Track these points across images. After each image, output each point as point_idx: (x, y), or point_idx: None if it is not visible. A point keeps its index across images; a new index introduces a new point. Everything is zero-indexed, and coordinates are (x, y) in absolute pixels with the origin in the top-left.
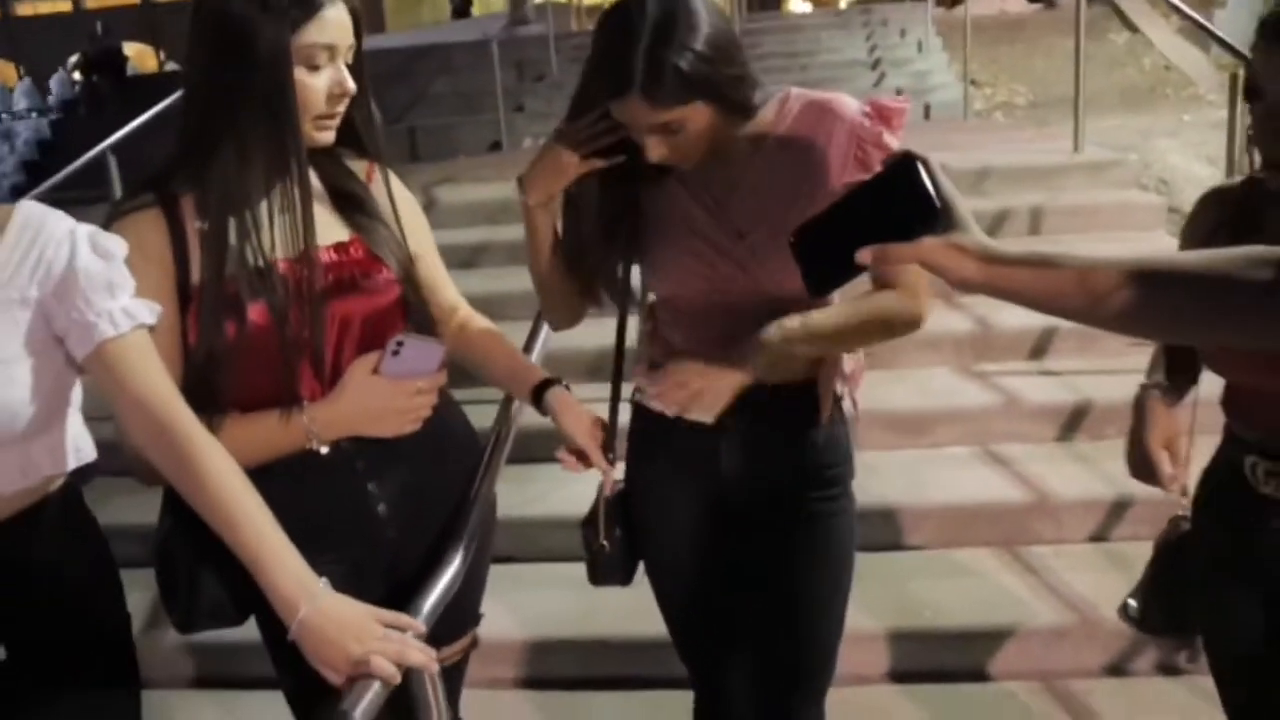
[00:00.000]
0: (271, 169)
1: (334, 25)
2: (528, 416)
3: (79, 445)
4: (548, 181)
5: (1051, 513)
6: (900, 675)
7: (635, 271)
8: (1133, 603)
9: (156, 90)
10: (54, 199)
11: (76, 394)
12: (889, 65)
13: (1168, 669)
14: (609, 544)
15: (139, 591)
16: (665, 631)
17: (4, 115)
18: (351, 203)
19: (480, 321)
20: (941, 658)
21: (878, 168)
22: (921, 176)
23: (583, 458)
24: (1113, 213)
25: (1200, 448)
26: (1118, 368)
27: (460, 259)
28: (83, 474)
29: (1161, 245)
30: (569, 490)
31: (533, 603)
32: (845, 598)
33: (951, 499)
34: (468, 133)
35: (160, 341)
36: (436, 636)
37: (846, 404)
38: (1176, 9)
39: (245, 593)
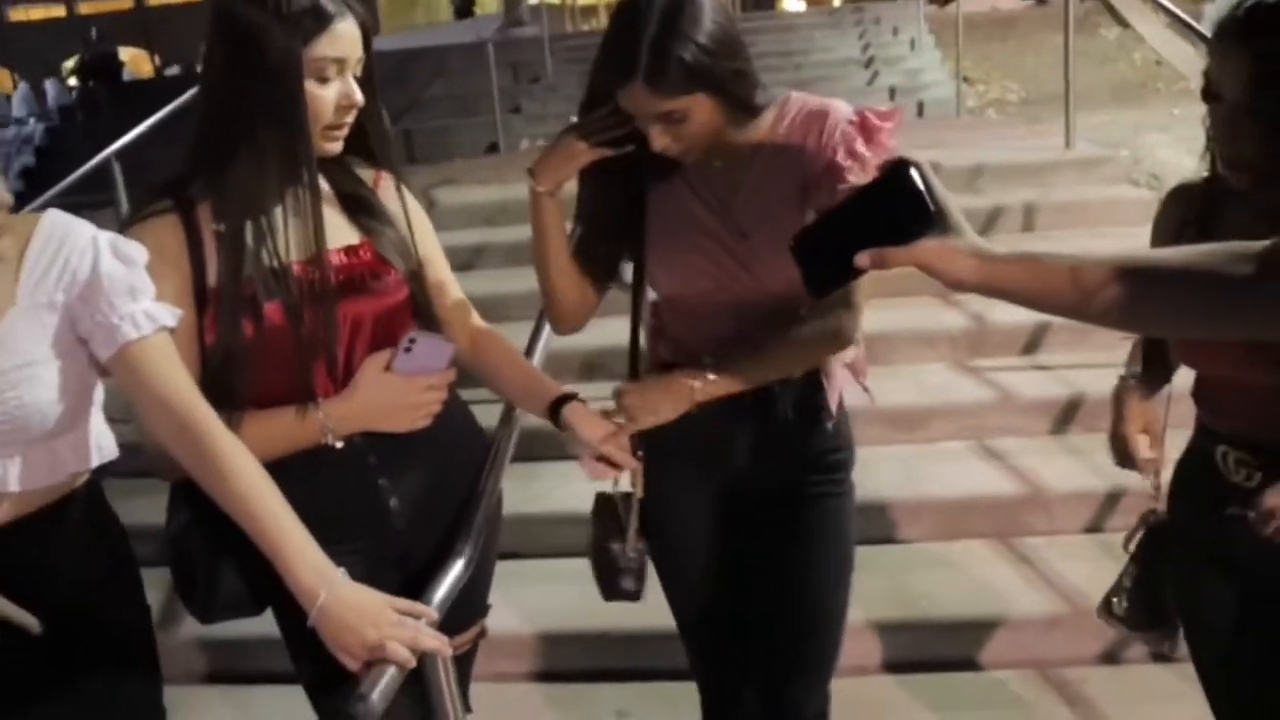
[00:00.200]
0: (284, 175)
1: (344, 39)
2: (530, 416)
3: (101, 443)
4: (558, 169)
5: (1045, 505)
6: (896, 666)
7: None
8: (1118, 601)
9: (153, 95)
10: (58, 205)
11: (99, 394)
12: (882, 64)
13: (1160, 656)
14: (637, 553)
15: (149, 590)
16: (669, 624)
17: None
18: (360, 207)
19: (492, 334)
20: (937, 648)
21: (847, 173)
22: (915, 181)
23: (608, 463)
24: (1104, 208)
25: (1174, 441)
26: (1109, 362)
27: (459, 261)
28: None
29: None
30: (572, 488)
31: (538, 597)
32: (849, 581)
33: (947, 492)
34: (464, 135)
35: (179, 342)
36: (447, 626)
37: (850, 393)
38: (1165, 8)
39: (262, 583)
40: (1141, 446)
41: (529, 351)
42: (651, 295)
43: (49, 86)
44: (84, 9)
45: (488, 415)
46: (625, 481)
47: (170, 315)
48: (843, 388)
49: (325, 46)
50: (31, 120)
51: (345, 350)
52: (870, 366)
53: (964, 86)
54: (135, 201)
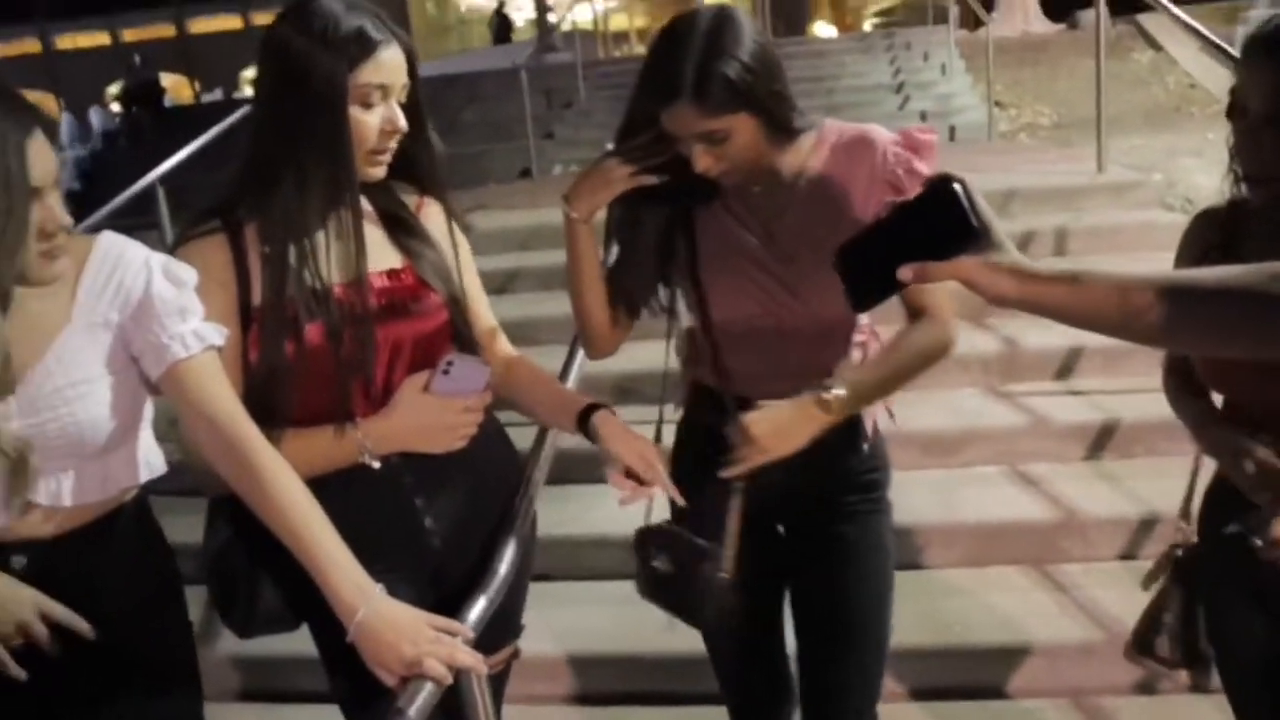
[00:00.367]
0: (328, 198)
1: (389, 66)
2: (564, 438)
3: (150, 459)
4: (593, 196)
5: (1080, 531)
6: (929, 693)
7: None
8: (1159, 640)
9: (193, 120)
10: (105, 227)
11: (149, 411)
12: (913, 89)
13: (1198, 687)
14: (729, 572)
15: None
16: (702, 648)
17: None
18: (404, 230)
19: (522, 359)
20: (971, 675)
21: (911, 192)
22: (960, 198)
23: (635, 479)
24: (1137, 233)
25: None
26: (1145, 387)
27: (493, 285)
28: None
29: None
30: (604, 510)
31: (571, 619)
32: (890, 600)
33: (980, 518)
34: (498, 160)
35: (225, 360)
36: (481, 646)
37: (883, 416)
38: (1197, 31)
39: (300, 599)
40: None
41: (563, 375)
42: (686, 321)
43: (94, 113)
44: (128, 36)
45: (522, 437)
46: (658, 502)
47: (218, 334)
48: (877, 411)
49: (370, 73)
50: (76, 146)
51: (384, 371)
52: (902, 391)
53: (995, 111)
54: (185, 222)
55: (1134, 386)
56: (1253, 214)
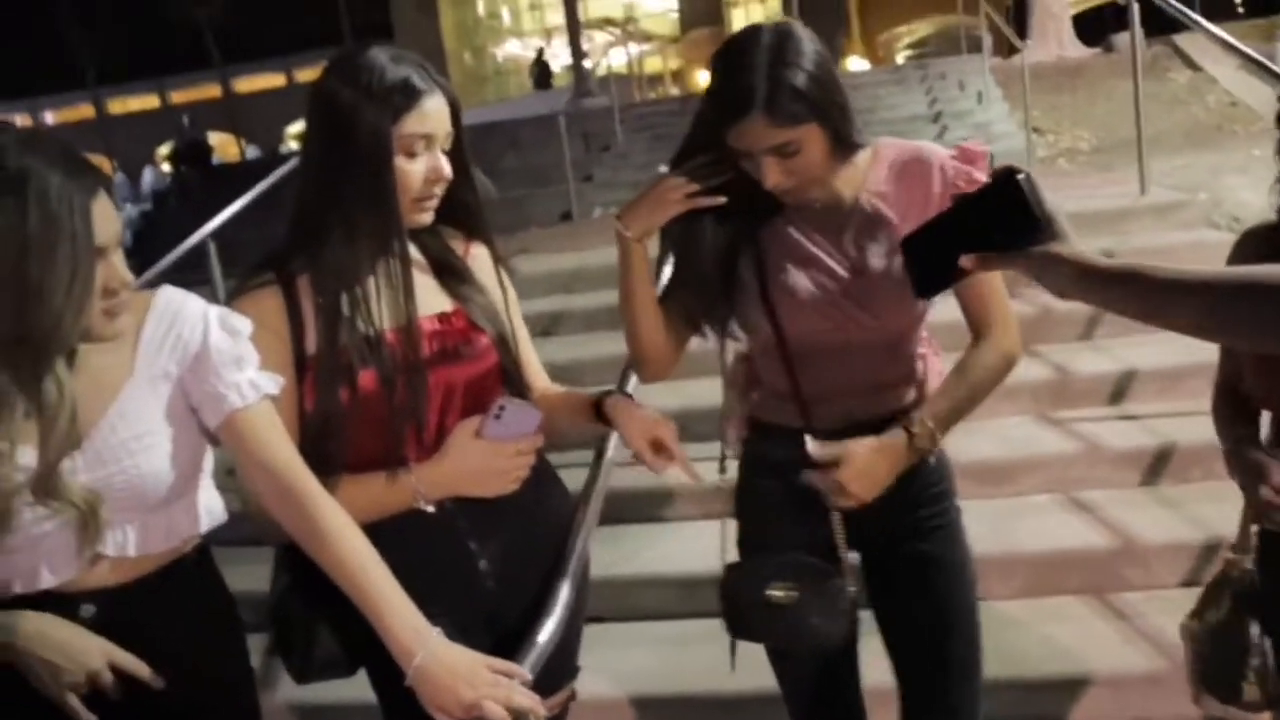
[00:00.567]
0: (376, 246)
1: (433, 116)
2: (616, 479)
3: (211, 508)
4: (650, 216)
5: (1140, 558)
6: None
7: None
8: (1248, 686)
9: (240, 177)
10: (158, 283)
11: (209, 461)
12: (950, 118)
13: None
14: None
15: None
16: (754, 686)
17: None
18: (453, 274)
19: (549, 389)
20: (1036, 707)
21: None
22: (1024, 190)
23: (659, 451)
24: (1185, 253)
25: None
26: (1199, 410)
27: (538, 327)
28: None
29: None
30: (657, 551)
31: (625, 660)
32: (977, 607)
33: (1038, 547)
34: (538, 205)
35: (280, 408)
36: (538, 688)
37: None
38: (1236, 48)
39: (358, 644)
40: None
41: None
42: (741, 347)
43: (146, 173)
44: (175, 98)
45: (574, 478)
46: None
47: (274, 383)
48: None
49: (414, 124)
50: (128, 205)
51: (437, 416)
52: None
53: (1034, 137)
54: (239, 275)
55: (1189, 409)
56: None
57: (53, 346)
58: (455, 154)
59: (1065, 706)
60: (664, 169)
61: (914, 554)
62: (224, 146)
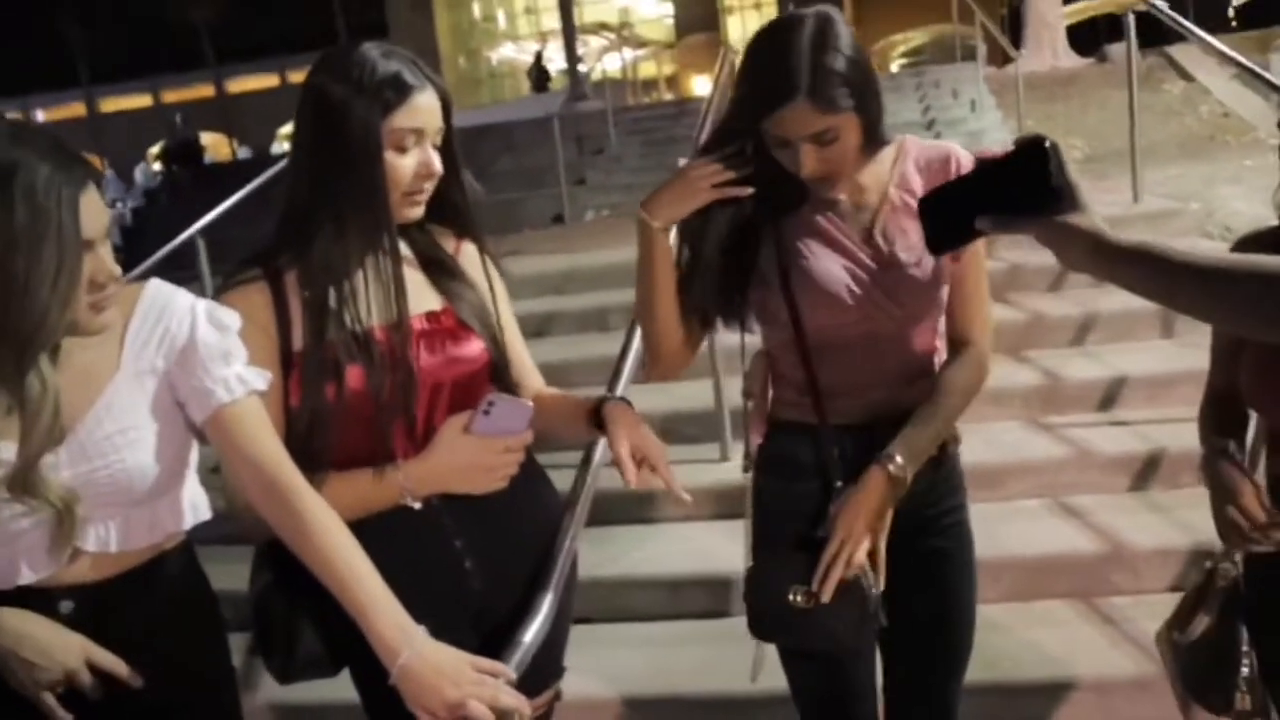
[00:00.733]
0: (365, 243)
1: (424, 111)
2: (603, 480)
3: (196, 504)
4: (676, 206)
5: (1129, 563)
6: None
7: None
8: (1241, 694)
9: (231, 176)
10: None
11: (194, 457)
12: (944, 126)
13: None
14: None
15: None
16: (740, 688)
17: None
18: (443, 271)
19: (544, 390)
20: (1022, 711)
21: None
22: (1048, 158)
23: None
24: None
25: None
26: (1189, 416)
27: (530, 328)
28: None
29: None
30: (645, 552)
31: (611, 661)
32: (975, 606)
33: (1027, 552)
34: (531, 207)
35: (266, 404)
36: (523, 688)
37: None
38: (1232, 58)
39: (341, 644)
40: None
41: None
42: (759, 343)
43: (138, 171)
44: (168, 97)
45: (563, 479)
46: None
47: (261, 379)
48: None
49: (404, 118)
50: (118, 204)
51: (425, 413)
52: None
53: None
54: (227, 271)
55: (1179, 416)
56: None
57: (37, 341)
58: (445, 151)
59: (1052, 711)
60: (682, 162)
61: (926, 549)
62: (216, 146)
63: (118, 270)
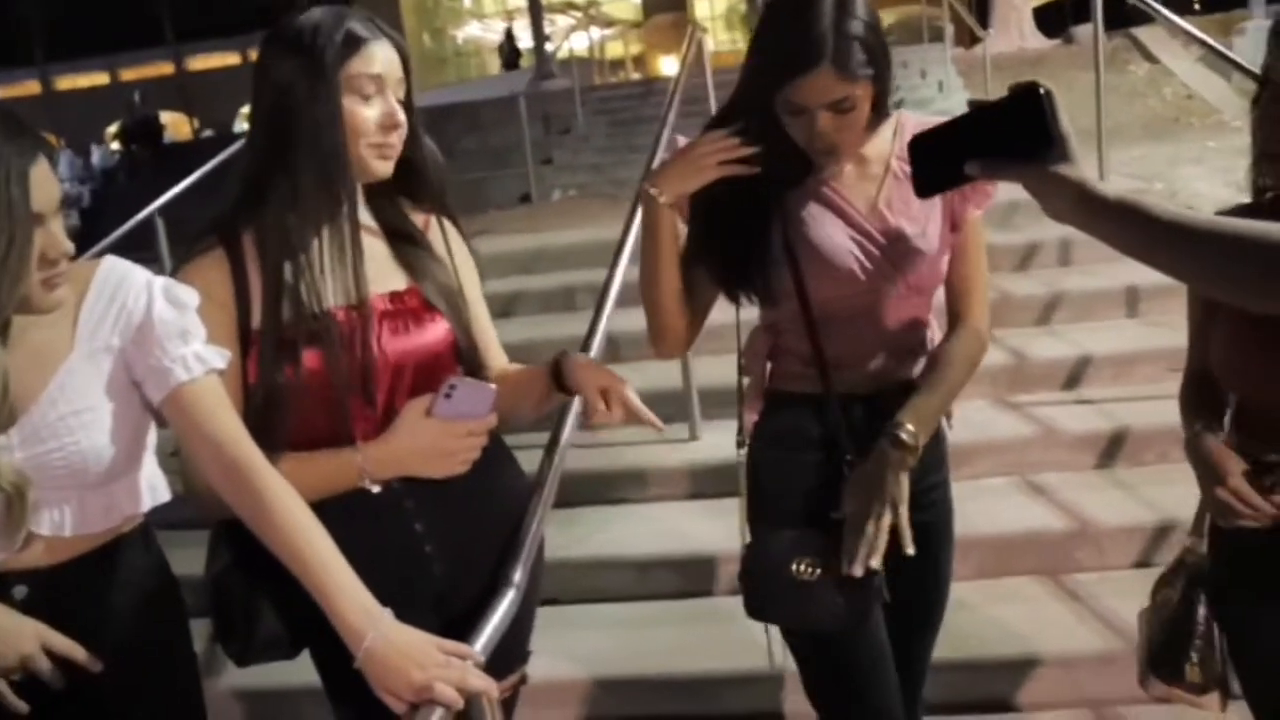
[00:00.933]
0: (322, 205)
1: (380, 58)
2: (572, 460)
3: (154, 486)
4: (684, 181)
5: (1094, 540)
6: (947, 707)
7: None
8: (1191, 666)
9: (192, 156)
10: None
11: (152, 438)
12: (911, 106)
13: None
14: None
15: None
16: (711, 668)
17: None
18: (409, 242)
19: (507, 368)
20: (988, 688)
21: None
22: (1043, 106)
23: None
24: None
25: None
26: (1154, 394)
27: (496, 308)
28: None
29: None
30: (612, 533)
31: (579, 642)
32: (950, 581)
33: (993, 529)
34: (497, 186)
35: (224, 382)
36: (489, 671)
37: None
38: (1197, 39)
39: (301, 625)
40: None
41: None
42: (756, 317)
43: (95, 151)
44: (126, 75)
45: (529, 460)
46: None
47: (220, 357)
48: None
49: (361, 64)
50: (75, 183)
51: (386, 395)
52: None
53: None
54: (185, 244)
55: (1143, 394)
56: (1265, 214)
57: None
58: (405, 108)
59: (1018, 687)
60: (681, 140)
61: (913, 523)
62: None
63: (70, 246)
